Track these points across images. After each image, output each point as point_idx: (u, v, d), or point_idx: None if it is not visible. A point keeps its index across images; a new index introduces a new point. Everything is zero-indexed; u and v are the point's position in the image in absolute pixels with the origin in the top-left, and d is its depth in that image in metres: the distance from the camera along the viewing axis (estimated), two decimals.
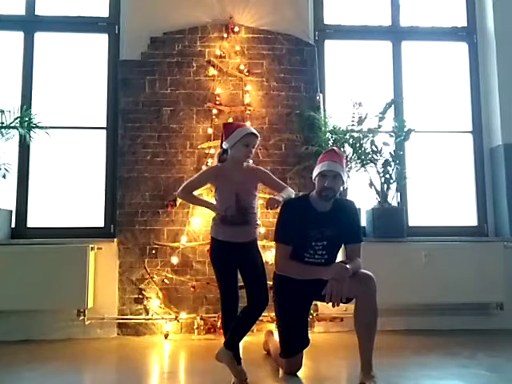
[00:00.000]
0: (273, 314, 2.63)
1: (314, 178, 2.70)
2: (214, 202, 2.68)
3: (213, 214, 2.68)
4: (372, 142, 4.05)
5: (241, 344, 2.59)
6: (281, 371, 2.78)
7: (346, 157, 3.94)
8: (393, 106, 4.15)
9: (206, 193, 3.50)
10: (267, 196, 3.85)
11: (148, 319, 3.85)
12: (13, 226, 4.03)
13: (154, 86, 4.12)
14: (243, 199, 2.54)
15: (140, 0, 4.23)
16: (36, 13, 4.32)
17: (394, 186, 4.08)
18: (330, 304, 2.46)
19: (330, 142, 4.05)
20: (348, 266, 2.49)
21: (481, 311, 4.01)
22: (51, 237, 3.92)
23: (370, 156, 4.03)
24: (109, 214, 4.10)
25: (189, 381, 2.79)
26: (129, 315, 3.86)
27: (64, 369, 2.93)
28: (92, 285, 3.79)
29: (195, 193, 2.74)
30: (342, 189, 2.69)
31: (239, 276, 2.62)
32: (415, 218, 4.32)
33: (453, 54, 4.62)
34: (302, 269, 2.64)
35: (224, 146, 2.63)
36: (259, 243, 2.72)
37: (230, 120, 4.02)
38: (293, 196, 2.68)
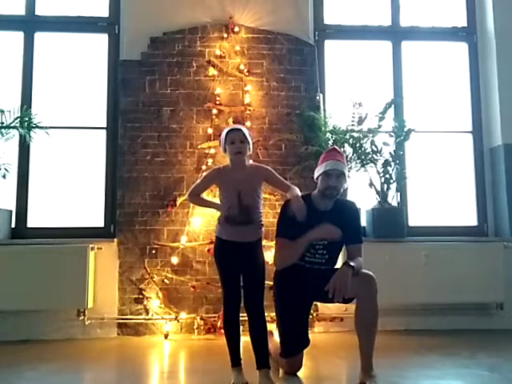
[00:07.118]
0: (273, 314, 2.62)
1: (316, 177, 2.69)
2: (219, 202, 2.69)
3: (217, 215, 2.68)
4: (372, 142, 4.05)
5: (241, 344, 2.59)
6: (281, 371, 2.78)
7: (346, 157, 3.94)
8: (393, 106, 4.16)
9: (207, 193, 3.49)
10: (268, 196, 3.88)
11: (148, 319, 3.85)
12: (13, 226, 4.03)
13: (154, 86, 4.12)
14: (245, 198, 2.53)
15: (140, 0, 4.23)
16: (36, 13, 4.32)
17: (394, 186, 4.08)
18: (333, 298, 2.44)
19: (330, 142, 4.05)
20: (352, 263, 2.49)
21: (481, 311, 4.01)
22: (51, 237, 3.92)
23: (370, 156, 4.04)
24: (109, 214, 4.10)
25: (189, 381, 2.79)
26: (129, 315, 3.86)
27: (64, 369, 2.94)
28: (92, 285, 3.79)
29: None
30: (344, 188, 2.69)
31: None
32: (415, 218, 4.32)
33: (453, 54, 4.62)
34: (294, 245, 2.60)
35: (222, 152, 2.67)
36: None
37: (230, 120, 4.03)
38: (299, 194, 2.63)
